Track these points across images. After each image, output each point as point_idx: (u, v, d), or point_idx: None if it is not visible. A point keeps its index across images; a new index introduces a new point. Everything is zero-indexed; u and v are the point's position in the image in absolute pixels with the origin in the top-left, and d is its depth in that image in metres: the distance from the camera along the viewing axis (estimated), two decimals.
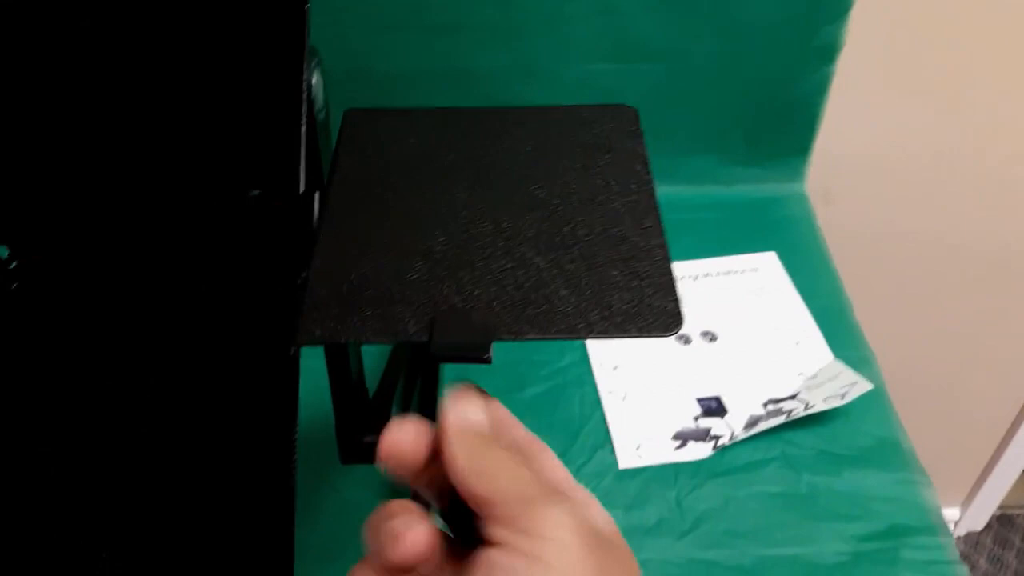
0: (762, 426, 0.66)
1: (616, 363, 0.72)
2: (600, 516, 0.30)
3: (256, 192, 0.39)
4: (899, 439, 0.67)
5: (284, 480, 0.35)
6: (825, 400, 0.67)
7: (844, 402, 0.66)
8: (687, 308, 0.74)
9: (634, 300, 0.33)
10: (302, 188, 0.38)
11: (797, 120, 0.85)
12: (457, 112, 0.42)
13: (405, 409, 0.60)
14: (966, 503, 1.43)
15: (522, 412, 0.68)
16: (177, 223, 0.38)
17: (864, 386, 0.66)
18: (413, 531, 0.27)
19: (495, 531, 0.27)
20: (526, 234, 0.36)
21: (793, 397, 0.69)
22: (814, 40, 0.79)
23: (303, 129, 0.39)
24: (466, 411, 0.30)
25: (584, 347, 0.74)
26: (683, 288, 0.77)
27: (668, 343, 0.73)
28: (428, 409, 0.33)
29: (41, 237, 0.38)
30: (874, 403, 0.68)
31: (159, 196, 0.38)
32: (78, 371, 0.37)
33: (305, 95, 0.39)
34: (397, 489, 0.32)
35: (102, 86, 0.38)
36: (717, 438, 0.66)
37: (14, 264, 0.38)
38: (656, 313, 0.32)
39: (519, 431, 0.32)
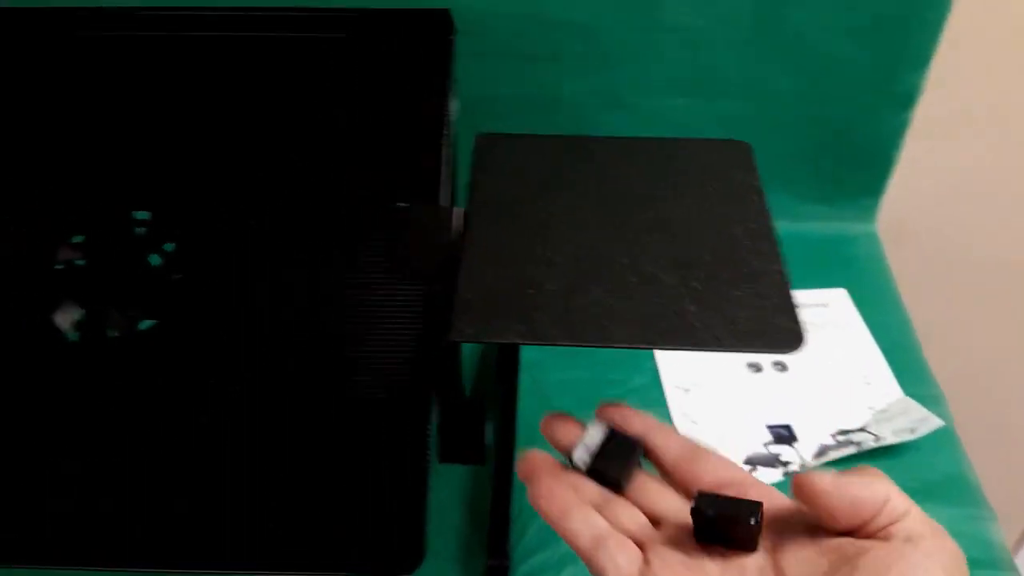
0: (832, 455, 0.68)
1: (688, 386, 0.74)
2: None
3: (403, 204, 0.42)
4: (967, 475, 0.68)
5: (419, 463, 0.38)
6: (895, 434, 0.68)
7: (914, 437, 0.68)
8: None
9: (758, 318, 0.35)
10: (443, 201, 0.42)
11: (872, 162, 0.87)
12: (581, 140, 0.46)
13: (504, 412, 0.64)
14: None
15: None
16: (335, 227, 0.41)
17: (934, 422, 0.68)
18: None
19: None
20: (652, 253, 0.39)
21: (863, 430, 0.71)
22: (894, 85, 0.81)
23: (444, 150, 0.43)
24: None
25: (656, 369, 0.76)
26: None
27: (739, 371, 0.76)
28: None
29: (213, 234, 0.42)
30: (943, 439, 0.69)
31: (322, 204, 0.42)
32: (235, 357, 0.41)
33: (447, 120, 0.43)
34: None
35: (285, 113, 0.42)
36: (787, 464, 0.68)
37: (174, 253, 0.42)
38: (779, 331, 0.35)
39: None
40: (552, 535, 0.64)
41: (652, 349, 0.35)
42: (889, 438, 0.68)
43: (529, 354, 0.74)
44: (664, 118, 0.82)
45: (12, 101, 0.44)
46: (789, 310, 0.35)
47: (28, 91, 0.44)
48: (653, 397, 0.74)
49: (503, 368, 0.63)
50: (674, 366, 0.76)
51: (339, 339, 0.39)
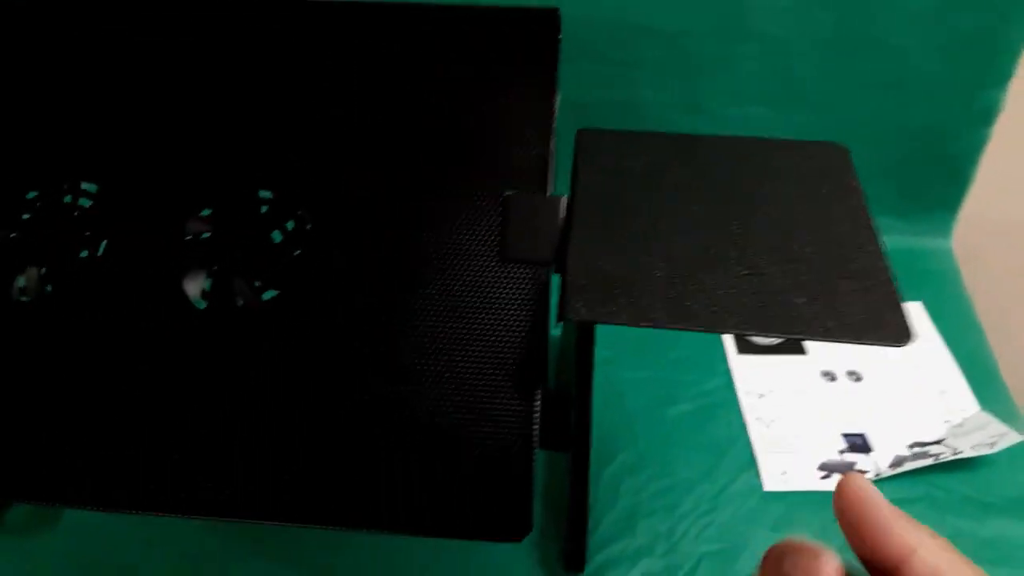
0: (908, 466, 0.68)
1: (762, 391, 0.75)
2: None
3: (510, 191, 0.44)
4: None
5: (527, 440, 0.40)
6: (973, 447, 0.68)
7: (993, 451, 0.67)
8: (833, 346, 0.77)
9: (865, 311, 0.36)
10: (550, 190, 0.44)
11: (949, 177, 0.87)
12: (683, 137, 0.47)
13: (580, 404, 0.65)
14: None
15: (668, 429, 0.72)
16: (448, 213, 0.44)
17: (1015, 437, 0.67)
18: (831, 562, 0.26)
19: None
20: (757, 247, 0.40)
21: (939, 442, 0.70)
22: (975, 102, 0.81)
23: (551, 143, 0.45)
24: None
25: (729, 373, 0.77)
26: None
27: (814, 379, 0.76)
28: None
29: (331, 215, 0.45)
30: (1022, 455, 0.69)
31: (435, 192, 0.44)
32: (351, 331, 0.43)
33: (553, 114, 0.45)
34: None
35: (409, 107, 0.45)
36: (863, 473, 0.68)
37: (299, 229, 0.44)
38: (887, 325, 0.36)
39: None
40: (628, 526, 0.65)
41: (759, 336, 0.36)
42: (967, 451, 0.68)
43: (602, 352, 0.75)
44: (744, 126, 0.83)
45: (140, 77, 0.47)
46: (896, 305, 0.36)
47: (160, 67, 0.47)
48: (726, 400, 0.75)
49: (581, 360, 0.65)
50: (748, 371, 0.77)
51: (450, 320, 0.41)
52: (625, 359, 0.78)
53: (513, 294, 0.42)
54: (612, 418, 0.73)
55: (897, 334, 0.35)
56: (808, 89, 0.82)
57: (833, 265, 0.39)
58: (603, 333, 0.76)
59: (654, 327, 0.36)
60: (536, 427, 0.40)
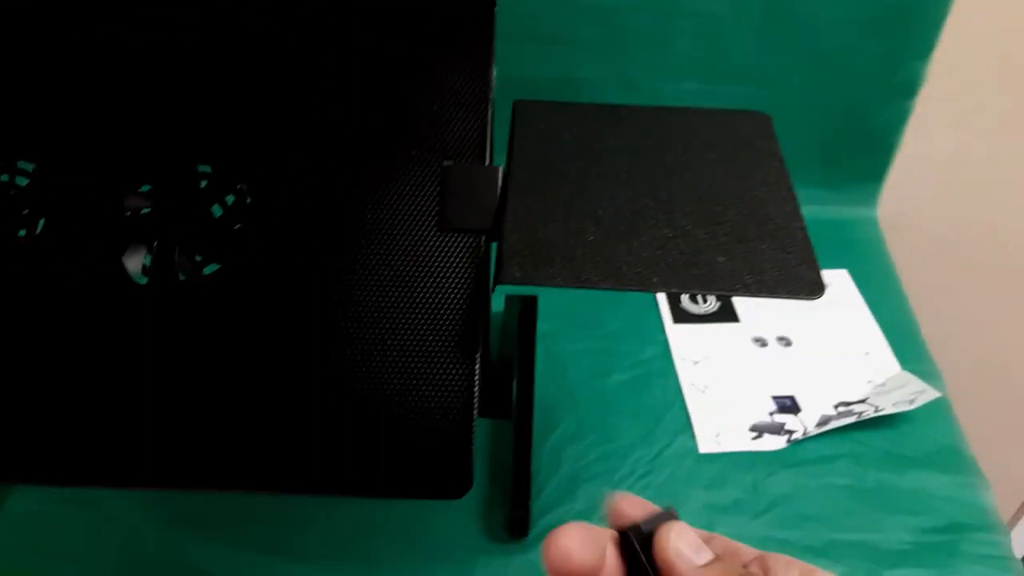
0: (833, 424, 0.71)
1: (696, 358, 0.78)
2: None
3: (449, 162, 0.45)
4: (961, 446, 0.72)
5: (467, 404, 0.41)
6: (894, 405, 0.72)
7: (912, 407, 0.71)
8: (764, 314, 0.80)
9: (782, 269, 0.39)
10: (487, 161, 0.45)
11: (874, 149, 0.90)
12: (613, 108, 0.49)
13: (522, 373, 0.67)
14: None
15: (608, 397, 0.74)
16: (388, 184, 0.45)
17: (932, 394, 0.71)
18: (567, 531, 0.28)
19: None
20: (683, 210, 0.42)
21: (863, 401, 0.74)
22: (897, 75, 0.85)
23: (490, 114, 0.46)
24: (690, 553, 0.28)
25: (666, 342, 0.80)
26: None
27: (746, 345, 0.79)
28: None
29: (270, 188, 0.45)
30: (939, 411, 0.73)
31: (374, 164, 0.45)
32: (293, 301, 0.44)
33: (490, 87, 0.46)
34: None
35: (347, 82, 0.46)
36: (791, 432, 0.72)
37: (240, 204, 0.45)
38: (802, 280, 0.38)
39: (747, 553, 0.31)
40: (569, 491, 0.68)
41: (684, 293, 0.38)
42: (888, 408, 0.72)
43: (543, 325, 0.77)
44: (677, 102, 0.85)
45: (84, 54, 0.47)
46: (811, 262, 0.39)
47: (101, 44, 0.47)
48: (663, 368, 0.78)
49: (523, 330, 0.67)
50: (683, 339, 0.79)
51: (391, 289, 0.42)
52: (565, 332, 0.80)
53: (452, 263, 0.44)
54: (553, 389, 0.75)
55: (810, 287, 0.38)
56: (739, 65, 0.84)
57: (753, 226, 0.41)
58: (544, 306, 0.78)
59: (586, 287, 0.38)
60: (476, 391, 0.41)
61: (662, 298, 0.82)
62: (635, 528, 0.29)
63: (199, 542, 0.63)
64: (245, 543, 0.63)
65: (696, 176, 0.44)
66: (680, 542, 0.28)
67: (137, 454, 0.43)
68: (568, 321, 0.81)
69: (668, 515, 0.30)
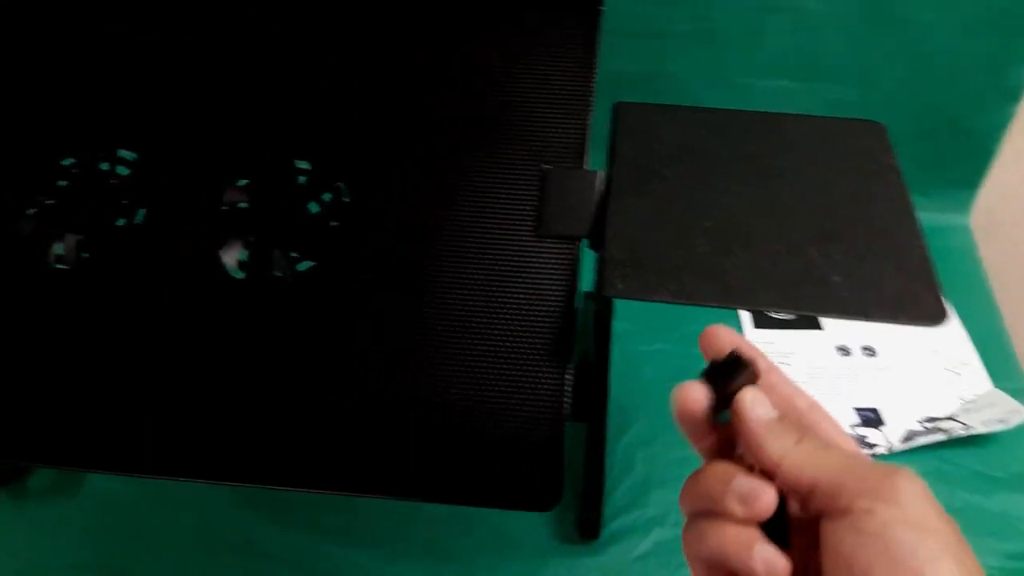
0: (920, 441, 0.69)
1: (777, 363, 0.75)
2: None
3: (548, 166, 0.44)
4: None
5: (557, 414, 0.40)
6: (984, 424, 0.69)
7: (1004, 428, 0.68)
8: (848, 322, 0.77)
9: (902, 292, 0.37)
10: (586, 165, 0.44)
11: (971, 154, 0.87)
12: (719, 112, 0.47)
13: (598, 376, 0.66)
14: None
15: None
16: (486, 187, 0.44)
17: None
18: (767, 493, 0.29)
19: (859, 506, 0.27)
20: (795, 225, 0.40)
21: (951, 418, 0.71)
22: (1002, 79, 0.81)
23: (590, 118, 0.45)
24: (758, 409, 0.31)
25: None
26: None
27: (829, 353, 0.77)
28: None
29: (368, 187, 0.45)
30: None
31: (472, 166, 0.44)
32: (388, 301, 0.43)
33: (592, 89, 0.45)
34: None
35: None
36: (873, 447, 0.69)
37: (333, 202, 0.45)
38: (922, 306, 0.36)
39: (799, 399, 0.34)
40: (641, 494, 0.67)
41: (796, 314, 0.36)
42: (978, 427, 0.69)
43: (618, 325, 0.76)
44: (770, 99, 0.83)
45: (190, 44, 0.47)
46: (932, 286, 0.37)
47: (207, 34, 0.47)
48: None
49: (600, 333, 0.65)
50: (763, 345, 0.77)
51: (484, 293, 0.42)
52: (641, 332, 0.79)
53: (548, 268, 0.43)
54: (627, 390, 0.74)
55: (932, 314, 0.36)
56: (834, 63, 0.81)
57: (870, 244, 0.39)
58: (620, 305, 0.77)
59: (692, 304, 0.37)
60: (567, 400, 0.40)
61: None
62: (724, 363, 0.33)
63: (271, 526, 0.64)
64: (316, 529, 0.64)
65: (808, 188, 0.42)
66: (758, 396, 0.31)
67: (224, 447, 0.43)
68: (644, 322, 0.80)
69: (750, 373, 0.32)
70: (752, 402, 0.31)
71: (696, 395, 0.33)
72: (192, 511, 0.65)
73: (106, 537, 0.64)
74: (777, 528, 0.29)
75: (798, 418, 0.33)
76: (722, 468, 0.31)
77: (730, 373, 0.32)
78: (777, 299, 0.36)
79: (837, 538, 0.27)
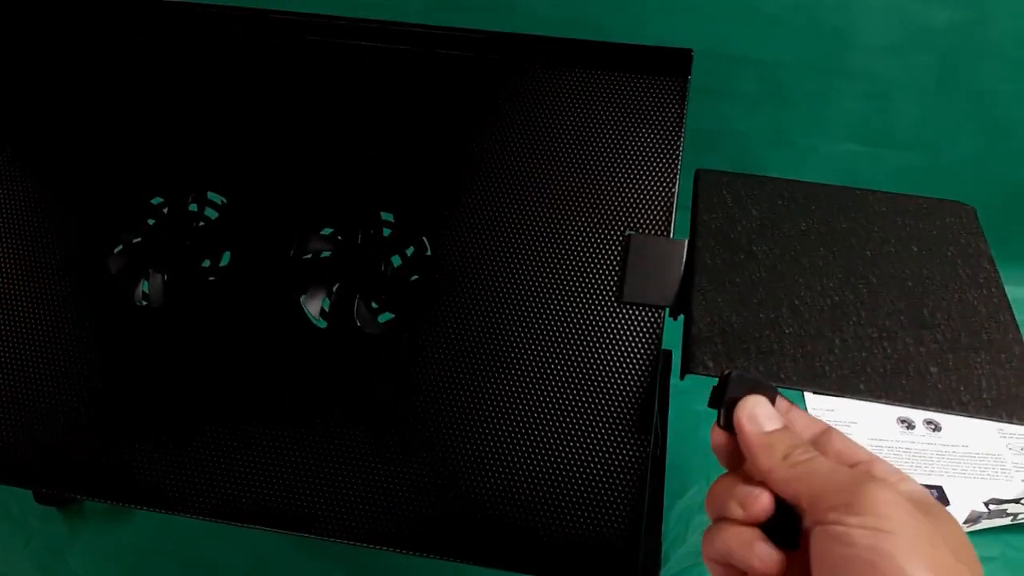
0: (985, 524, 0.67)
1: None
2: (914, 486, 0.33)
3: (632, 232, 0.44)
4: None
5: (642, 486, 0.40)
6: None
7: None
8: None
9: (1000, 386, 0.36)
10: (672, 233, 0.44)
11: None
12: (802, 184, 0.47)
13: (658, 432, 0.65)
14: None
15: None
16: (567, 252, 0.44)
17: None
18: (761, 497, 0.32)
19: (830, 518, 0.29)
20: (886, 309, 0.39)
21: (1018, 501, 0.69)
22: None
23: (676, 186, 0.45)
24: (761, 420, 0.34)
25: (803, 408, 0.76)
26: None
27: (891, 425, 0.75)
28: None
29: (451, 244, 0.45)
30: None
31: (555, 229, 0.44)
32: (467, 362, 0.43)
33: (679, 156, 0.45)
34: None
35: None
36: None
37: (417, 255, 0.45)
38: (1021, 402, 0.35)
39: (804, 420, 0.36)
40: (697, 564, 0.65)
41: (891, 405, 0.35)
42: None
43: (675, 382, 0.75)
44: (836, 162, 0.82)
45: (280, 97, 0.48)
46: None
47: (293, 88, 0.48)
48: None
49: (660, 388, 0.65)
50: (823, 413, 0.76)
51: (563, 360, 0.41)
52: (698, 391, 0.78)
53: (629, 337, 0.42)
54: (685, 449, 0.73)
55: None
56: (904, 130, 0.80)
57: (966, 334, 0.38)
58: (676, 362, 0.76)
59: (784, 387, 0.36)
60: (648, 475, 0.40)
61: None
62: (735, 379, 0.35)
63: (318, 562, 0.63)
64: (361, 570, 0.63)
65: (899, 270, 0.41)
66: (757, 408, 0.34)
67: (294, 496, 0.43)
68: (700, 380, 0.78)
69: (765, 386, 0.35)
70: (748, 417, 0.34)
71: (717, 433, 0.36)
72: (247, 542, 0.65)
73: (160, 562, 0.64)
74: (784, 530, 0.32)
75: (804, 432, 0.35)
76: (729, 479, 0.34)
77: (723, 391, 0.35)
78: (873, 390, 0.35)
79: (818, 546, 0.29)
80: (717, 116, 0.83)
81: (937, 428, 0.75)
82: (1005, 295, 0.40)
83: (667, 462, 0.68)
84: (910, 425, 0.75)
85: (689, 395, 0.76)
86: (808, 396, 0.77)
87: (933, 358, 0.37)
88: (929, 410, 0.35)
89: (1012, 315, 0.39)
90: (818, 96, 0.80)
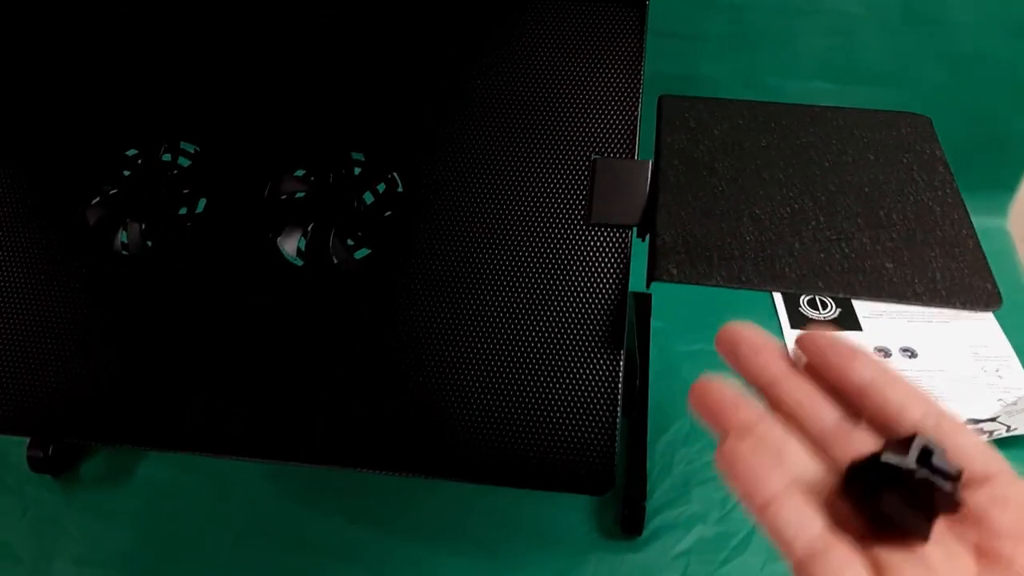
0: None
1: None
2: None
3: (597, 156, 0.45)
4: None
5: (612, 401, 0.41)
6: None
7: None
8: (888, 323, 0.77)
9: (954, 278, 0.37)
10: (636, 155, 0.45)
11: (1009, 157, 0.86)
12: (761, 104, 0.48)
13: (641, 369, 0.66)
14: None
15: None
16: (537, 179, 0.45)
17: None
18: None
19: None
20: (844, 213, 0.41)
21: (993, 419, 0.71)
22: None
23: (639, 109, 0.46)
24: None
25: (785, 347, 0.77)
26: (884, 305, 0.79)
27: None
28: None
29: (419, 179, 0.46)
30: None
31: (522, 157, 0.45)
32: (441, 289, 0.44)
33: (640, 82, 0.46)
34: None
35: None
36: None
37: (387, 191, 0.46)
38: (976, 291, 0.36)
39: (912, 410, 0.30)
40: (682, 493, 0.67)
41: (852, 298, 0.36)
42: (1021, 429, 0.68)
43: (657, 323, 0.76)
44: (805, 101, 0.83)
45: (249, 38, 0.48)
46: (984, 272, 0.37)
47: (260, 34, 0.49)
48: None
49: (640, 332, 0.66)
50: None
51: (537, 282, 0.43)
52: (678, 332, 0.79)
53: (601, 256, 0.43)
54: (666, 389, 0.74)
55: (987, 299, 0.36)
56: (870, 65, 0.82)
57: (920, 232, 0.39)
58: (657, 304, 0.77)
59: (746, 288, 0.37)
60: (621, 386, 0.41)
61: (780, 302, 0.80)
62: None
63: (316, 514, 0.65)
64: (359, 517, 0.64)
65: (856, 178, 0.42)
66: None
67: (278, 428, 0.44)
68: (681, 321, 0.80)
69: None
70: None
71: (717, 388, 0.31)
72: (242, 500, 0.66)
73: (156, 524, 0.65)
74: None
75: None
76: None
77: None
78: (831, 285, 0.37)
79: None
80: (687, 60, 0.84)
81: (913, 355, 0.77)
82: (959, 195, 0.42)
83: (650, 401, 0.70)
84: (887, 353, 0.76)
85: (668, 336, 0.78)
86: (785, 331, 0.79)
87: (889, 255, 0.38)
88: (885, 301, 0.36)
89: (966, 212, 0.41)
90: (785, 36, 0.81)
